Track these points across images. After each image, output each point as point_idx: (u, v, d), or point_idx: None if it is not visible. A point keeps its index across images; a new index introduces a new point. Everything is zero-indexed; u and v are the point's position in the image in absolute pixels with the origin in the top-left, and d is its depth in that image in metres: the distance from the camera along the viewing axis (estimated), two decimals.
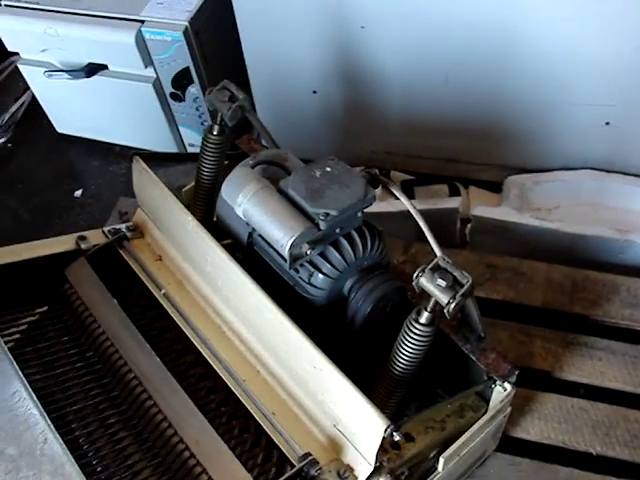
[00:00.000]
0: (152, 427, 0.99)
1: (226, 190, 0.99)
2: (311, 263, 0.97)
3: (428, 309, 0.89)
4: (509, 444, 1.22)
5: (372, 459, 0.90)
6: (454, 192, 1.64)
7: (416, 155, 1.68)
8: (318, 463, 0.91)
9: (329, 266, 0.96)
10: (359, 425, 0.91)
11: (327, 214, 0.92)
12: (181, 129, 1.83)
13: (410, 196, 1.63)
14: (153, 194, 1.15)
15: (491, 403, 1.07)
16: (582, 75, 1.43)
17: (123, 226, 1.22)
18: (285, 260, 0.94)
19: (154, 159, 1.26)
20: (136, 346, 1.05)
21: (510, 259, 1.45)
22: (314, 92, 1.64)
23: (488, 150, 1.63)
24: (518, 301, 1.39)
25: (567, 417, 1.24)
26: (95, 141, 2.01)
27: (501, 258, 1.45)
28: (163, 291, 1.12)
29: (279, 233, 0.92)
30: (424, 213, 1.51)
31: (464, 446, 1.03)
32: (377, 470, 0.92)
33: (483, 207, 1.54)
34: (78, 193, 1.93)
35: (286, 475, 0.88)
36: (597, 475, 1.17)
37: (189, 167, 1.31)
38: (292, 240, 0.91)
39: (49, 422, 0.92)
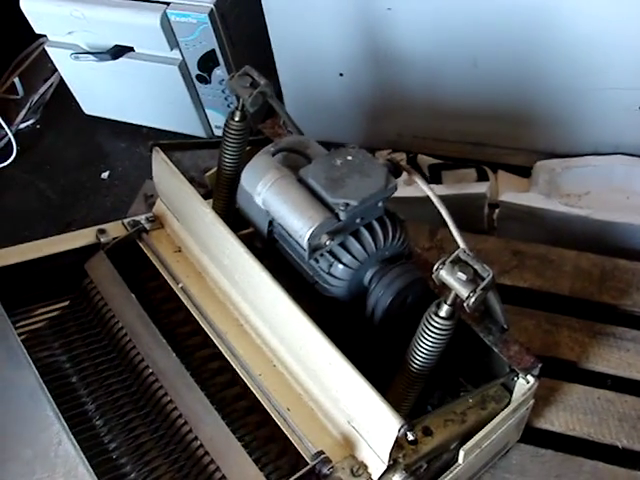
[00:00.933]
0: (168, 424, 1.00)
1: (246, 178, 0.98)
2: (331, 253, 0.96)
3: (448, 302, 0.88)
4: (533, 435, 1.20)
5: (386, 457, 0.89)
6: (482, 177, 1.62)
7: (444, 139, 1.66)
8: (331, 461, 0.90)
9: (349, 256, 0.95)
10: (373, 423, 0.90)
11: (347, 204, 0.91)
12: (207, 111, 1.82)
13: (437, 180, 1.61)
14: (172, 185, 1.15)
15: (514, 395, 1.06)
16: (615, 58, 1.39)
17: (143, 217, 1.22)
18: (304, 250, 0.93)
19: (175, 148, 1.25)
20: (153, 342, 1.05)
21: (538, 246, 1.42)
22: (341, 75, 1.62)
23: (517, 134, 1.60)
24: (545, 289, 1.37)
25: (593, 409, 1.22)
26: (122, 123, 2.01)
27: (529, 245, 1.43)
28: (180, 284, 1.12)
29: (298, 223, 0.91)
30: (451, 198, 1.51)
31: (485, 438, 1.01)
32: (392, 467, 0.91)
33: (511, 193, 1.51)
34: (105, 175, 1.93)
35: (298, 474, 0.88)
36: (622, 469, 1.16)
37: (217, 151, 1.31)
38: (311, 231, 0.90)
39: (64, 423, 0.92)
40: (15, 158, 1.99)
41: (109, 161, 1.97)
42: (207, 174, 1.28)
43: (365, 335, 1.02)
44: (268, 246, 1.06)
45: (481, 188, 1.52)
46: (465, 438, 1.01)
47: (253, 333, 1.05)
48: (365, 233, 0.95)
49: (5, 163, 1.99)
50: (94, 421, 1.03)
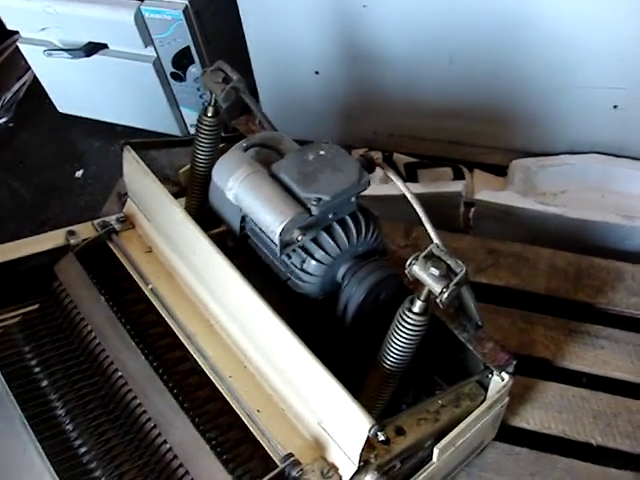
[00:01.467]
0: (138, 427, 0.98)
1: (217, 173, 0.97)
2: (304, 249, 0.94)
3: (421, 298, 0.87)
4: (508, 433, 1.20)
5: (356, 458, 0.88)
6: (458, 175, 1.62)
7: (420, 137, 1.66)
8: (300, 464, 0.89)
9: (322, 252, 0.94)
10: (343, 423, 0.89)
11: (319, 199, 0.90)
12: (182, 109, 1.81)
13: (414, 179, 1.61)
14: (142, 184, 1.13)
15: (488, 393, 1.05)
16: (590, 57, 1.40)
17: (113, 218, 1.20)
18: (276, 246, 0.92)
19: (148, 147, 1.24)
20: (122, 345, 1.04)
21: (513, 244, 1.42)
22: (316, 73, 1.61)
23: (493, 133, 1.60)
24: (521, 288, 1.37)
25: (568, 406, 1.22)
26: (97, 121, 1.99)
27: (504, 243, 1.43)
28: (150, 286, 1.10)
29: (270, 218, 0.90)
30: (427, 197, 1.51)
31: (460, 436, 1.01)
32: (363, 468, 0.90)
33: (487, 191, 1.51)
34: (79, 174, 1.91)
35: (266, 478, 0.87)
36: (597, 466, 1.16)
37: (191, 148, 1.29)
38: (283, 225, 0.89)
39: (29, 430, 0.91)
40: None
41: (83, 160, 1.95)
42: (180, 171, 1.27)
43: (337, 333, 1.01)
44: (240, 243, 1.04)
45: (457, 187, 1.52)
46: (439, 436, 1.00)
47: (223, 333, 1.04)
48: (338, 229, 0.94)
49: None
50: (63, 425, 1.01)
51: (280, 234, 0.89)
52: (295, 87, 1.67)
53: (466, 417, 1.02)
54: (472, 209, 1.53)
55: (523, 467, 1.17)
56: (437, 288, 0.84)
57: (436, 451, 0.98)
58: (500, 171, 1.62)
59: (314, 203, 0.90)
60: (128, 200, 1.22)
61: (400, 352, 0.93)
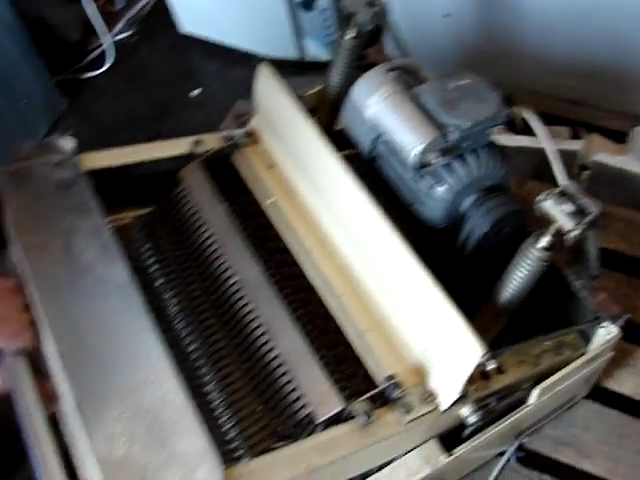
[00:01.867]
0: (247, 333, 1.01)
1: (358, 91, 0.99)
2: (434, 174, 0.96)
3: (550, 234, 0.87)
4: (600, 394, 1.20)
5: (458, 387, 0.89)
6: (575, 137, 1.59)
7: (541, 93, 1.62)
8: (401, 386, 0.91)
9: (451, 179, 0.95)
10: (451, 350, 0.90)
11: (459, 125, 0.91)
12: (306, 39, 1.81)
13: (529, 133, 1.59)
14: (276, 101, 1.15)
15: (593, 344, 1.05)
16: None
17: (239, 132, 1.23)
18: (410, 168, 0.93)
19: (279, 67, 1.25)
20: (239, 253, 1.06)
21: (626, 210, 1.41)
22: (446, 15, 1.60)
23: (618, 96, 1.57)
24: (629, 253, 1.36)
25: None
26: (217, 44, 2.01)
27: (616, 208, 1.41)
28: (270, 200, 1.13)
29: (408, 138, 0.91)
30: (542, 151, 1.49)
31: (560, 382, 1.02)
32: (460, 399, 0.92)
33: (604, 154, 1.48)
34: (195, 93, 1.94)
35: (367, 395, 0.89)
36: None
37: (309, 79, 1.30)
38: (422, 146, 0.90)
39: (150, 319, 0.94)
40: (109, 68, 2.01)
41: (200, 80, 1.97)
42: (308, 93, 1.28)
43: (452, 267, 1.02)
44: (367, 166, 1.06)
45: (575, 146, 1.49)
46: (537, 381, 1.01)
47: (338, 253, 1.06)
48: (470, 158, 0.95)
49: (98, 72, 2.01)
50: (175, 323, 1.06)
51: (417, 154, 0.90)
52: (422, 30, 1.65)
53: (565, 367, 1.02)
54: (586, 172, 1.51)
55: (611, 429, 1.17)
56: (568, 225, 0.84)
57: (535, 392, 0.99)
58: (619, 138, 1.59)
59: (453, 129, 0.91)
60: (255, 117, 1.24)
61: (518, 288, 0.93)
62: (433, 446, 0.97)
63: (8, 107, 1.75)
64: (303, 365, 0.94)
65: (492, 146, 0.97)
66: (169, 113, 1.91)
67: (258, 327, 1.00)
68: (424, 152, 0.90)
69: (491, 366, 0.88)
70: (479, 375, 0.97)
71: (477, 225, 0.96)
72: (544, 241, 0.88)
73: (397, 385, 0.91)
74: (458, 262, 1.02)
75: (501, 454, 1.14)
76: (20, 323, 0.94)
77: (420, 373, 0.95)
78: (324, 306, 1.02)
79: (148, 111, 1.93)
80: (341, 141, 1.11)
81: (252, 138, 1.23)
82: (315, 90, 1.26)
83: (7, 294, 0.96)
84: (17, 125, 1.81)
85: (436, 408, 0.92)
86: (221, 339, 1.03)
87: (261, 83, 1.19)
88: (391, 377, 0.91)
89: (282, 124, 1.17)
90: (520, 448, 1.15)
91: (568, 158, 1.50)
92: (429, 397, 0.92)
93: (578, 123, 1.62)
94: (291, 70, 1.44)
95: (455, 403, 0.92)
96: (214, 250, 1.09)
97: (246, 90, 1.28)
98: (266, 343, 0.98)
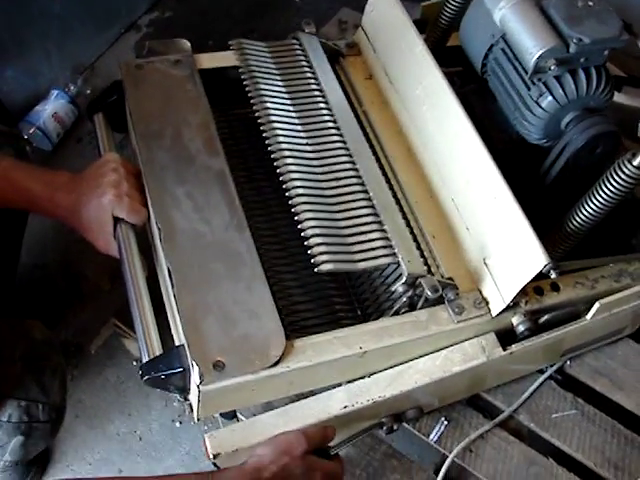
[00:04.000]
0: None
1: None
2: (545, 83, 1.01)
3: None
4: None
5: (513, 293, 0.96)
6: None
7: (634, 55, 1.65)
8: (458, 289, 0.99)
9: (561, 92, 1.00)
10: (515, 257, 0.96)
11: (580, 39, 0.96)
12: None
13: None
14: (388, 13, 1.21)
15: None
16: None
17: (343, 42, 1.30)
18: (526, 72, 0.98)
19: None
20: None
21: None
22: None
23: None
24: None
25: None
26: None
27: None
28: (363, 107, 1.20)
29: (531, 42, 0.97)
30: (631, 110, 1.51)
31: (617, 304, 1.07)
32: (512, 308, 0.99)
33: None
34: None
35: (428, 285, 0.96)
36: None
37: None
38: (542, 51, 0.96)
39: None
40: None
41: None
42: (423, 4, 1.32)
43: (534, 188, 1.07)
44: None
45: None
46: (591, 305, 1.06)
47: (421, 162, 1.13)
48: (582, 75, 1.00)
49: None
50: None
51: (537, 58, 0.96)
52: None
53: None
54: None
55: None
56: None
57: (595, 307, 1.04)
58: None
59: (575, 42, 0.96)
60: (359, 29, 1.30)
61: (595, 209, 0.99)
62: (492, 339, 1.04)
63: None
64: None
65: (604, 69, 1.02)
66: (268, 12, 1.95)
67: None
68: (544, 57, 0.96)
69: (554, 275, 0.93)
70: (532, 290, 1.04)
71: (573, 139, 1.01)
72: (638, 160, 0.93)
73: (454, 287, 0.98)
74: (541, 182, 1.08)
75: (541, 372, 1.19)
76: (141, 202, 1.04)
77: (478, 279, 1.02)
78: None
79: (248, 6, 1.98)
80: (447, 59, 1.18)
81: (355, 49, 1.30)
82: (429, 2, 1.30)
83: (132, 175, 1.06)
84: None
85: (487, 313, 1.00)
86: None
87: None
88: (450, 279, 0.99)
89: (388, 37, 1.23)
90: (560, 371, 1.19)
91: None
92: (481, 302, 1.00)
93: None
94: None
95: (506, 311, 0.99)
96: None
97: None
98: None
